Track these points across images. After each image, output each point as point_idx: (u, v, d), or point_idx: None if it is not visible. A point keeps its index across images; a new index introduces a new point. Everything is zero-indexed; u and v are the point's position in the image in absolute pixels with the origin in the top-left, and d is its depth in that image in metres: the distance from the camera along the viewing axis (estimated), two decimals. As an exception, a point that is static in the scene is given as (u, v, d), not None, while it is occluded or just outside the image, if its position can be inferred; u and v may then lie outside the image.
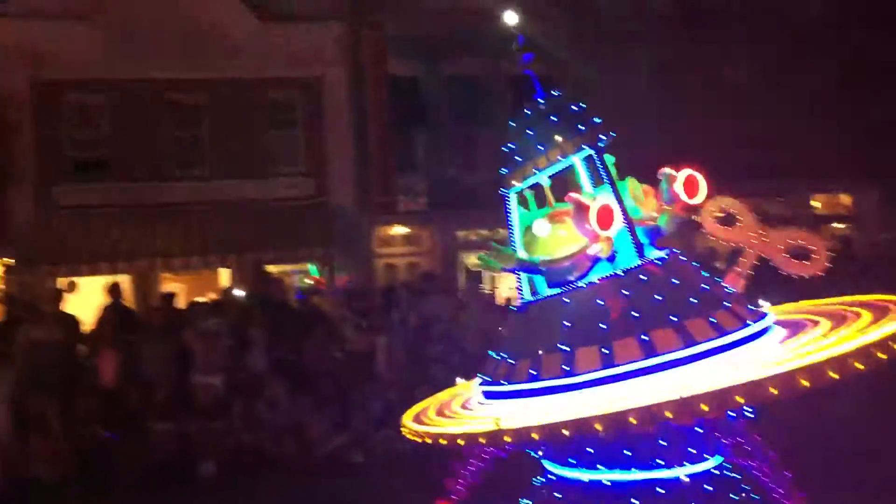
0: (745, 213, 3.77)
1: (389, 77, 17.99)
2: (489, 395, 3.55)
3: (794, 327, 3.48)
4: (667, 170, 3.54)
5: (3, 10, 16.47)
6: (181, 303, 13.48)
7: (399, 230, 18.95)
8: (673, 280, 3.36)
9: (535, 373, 3.30)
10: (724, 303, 3.36)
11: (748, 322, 3.30)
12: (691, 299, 3.29)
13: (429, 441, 3.31)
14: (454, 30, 16.23)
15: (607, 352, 3.17)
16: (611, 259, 3.43)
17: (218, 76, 17.07)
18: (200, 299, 14.02)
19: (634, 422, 2.70)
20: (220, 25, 17.09)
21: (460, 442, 3.15)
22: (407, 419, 3.74)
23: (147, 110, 16.99)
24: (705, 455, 3.35)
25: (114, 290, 13.07)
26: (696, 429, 3.25)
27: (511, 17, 3.82)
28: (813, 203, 21.25)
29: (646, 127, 16.73)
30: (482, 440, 3.08)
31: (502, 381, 3.46)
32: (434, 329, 12.48)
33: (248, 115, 17.48)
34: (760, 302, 3.65)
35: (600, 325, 3.25)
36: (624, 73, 18.32)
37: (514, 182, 3.74)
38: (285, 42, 17.37)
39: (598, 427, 2.73)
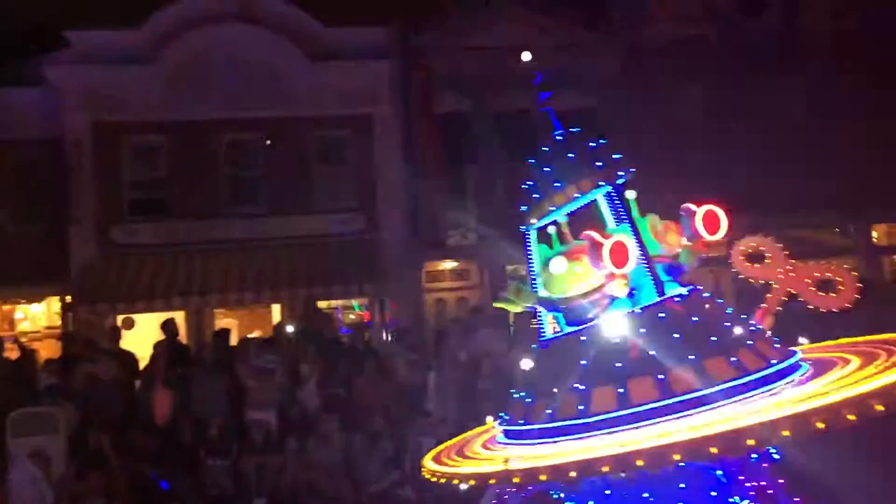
0: (775, 249, 3.72)
1: (438, 113, 18.16)
2: (508, 435, 3.51)
3: (823, 366, 3.37)
4: (688, 205, 3.49)
5: (65, 55, 17.10)
6: (235, 339, 13.60)
7: (448, 265, 18.98)
8: (693, 318, 3.30)
9: (551, 412, 3.25)
10: (748, 341, 3.27)
11: (772, 361, 3.21)
12: (712, 338, 3.22)
13: (444, 481, 3.28)
14: (501, 65, 16.30)
15: (622, 391, 3.11)
16: (629, 296, 3.38)
17: (271, 115, 17.39)
18: (253, 335, 14.17)
19: (642, 464, 2.64)
20: (273, 66, 17.49)
21: (471, 482, 3.12)
22: (427, 459, 3.72)
23: (202, 150, 17.40)
24: (729, 499, 3.25)
25: (168, 326, 13.28)
26: (716, 472, 3.16)
27: (527, 56, 3.84)
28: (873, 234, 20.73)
29: (699, 161, 16.58)
30: (492, 481, 3.05)
31: (521, 421, 3.42)
32: (484, 365, 12.37)
33: (300, 153, 17.76)
34: (801, 340, 3.57)
35: (617, 363, 3.19)
36: (675, 107, 18.21)
37: (533, 219, 3.72)
38: (336, 81, 17.65)
39: (605, 469, 2.68)
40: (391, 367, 12.44)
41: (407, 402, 11.95)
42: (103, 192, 17.11)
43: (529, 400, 3.43)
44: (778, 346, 3.38)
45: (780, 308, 3.59)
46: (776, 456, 3.30)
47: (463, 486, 3.14)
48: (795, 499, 3.33)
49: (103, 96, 16.96)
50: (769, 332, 3.49)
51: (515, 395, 3.58)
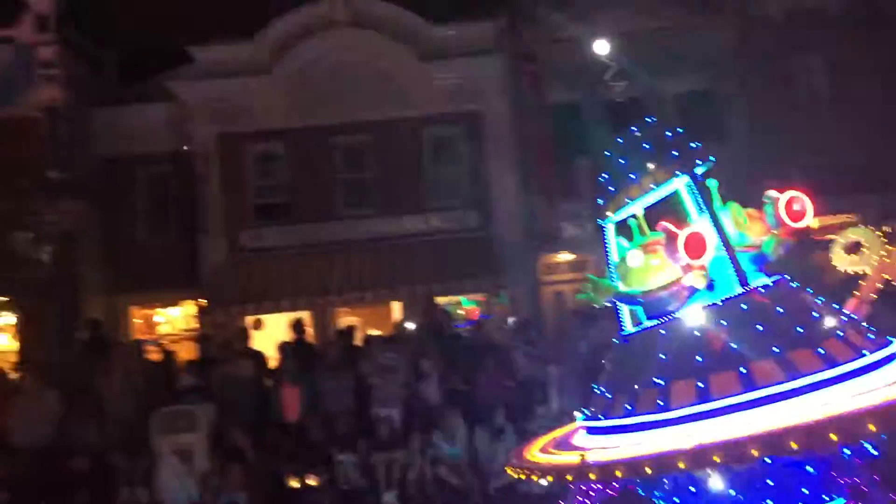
0: (872, 238, 3.57)
1: (548, 104, 17.99)
2: (590, 431, 3.49)
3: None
4: (772, 192, 3.36)
5: (189, 70, 17.96)
6: (358, 336, 13.91)
7: (565, 257, 18.77)
8: (778, 308, 3.17)
9: (630, 407, 3.21)
10: (838, 332, 3.12)
11: (864, 352, 3.05)
12: (798, 329, 3.09)
13: (523, 477, 3.29)
14: (611, 53, 15.96)
15: (703, 385, 3.03)
16: (709, 288, 3.29)
17: (383, 117, 17.74)
18: (375, 332, 14.44)
19: (718, 460, 2.57)
20: (383, 69, 17.81)
21: (549, 478, 3.11)
22: (512, 455, 3.73)
23: (320, 154, 17.94)
24: (823, 496, 3.11)
25: (297, 326, 13.72)
26: (808, 467, 3.03)
27: (602, 47, 3.78)
28: None
29: (825, 137, 15.80)
30: (569, 476, 3.03)
31: (600, 416, 3.39)
32: (605, 356, 12.10)
33: (413, 152, 18.02)
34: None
35: (697, 357, 3.11)
36: (796, 82, 17.40)
37: (609, 212, 3.67)
38: (445, 79, 17.80)
39: (682, 465, 2.62)
40: (511, 362, 12.41)
41: (528, 396, 11.90)
42: (230, 200, 17.89)
43: (609, 395, 3.40)
44: (873, 336, 3.21)
45: (877, 296, 3.42)
46: (874, 452, 3.14)
47: (543, 482, 3.14)
48: (892, 496, 3.16)
49: (226, 108, 17.72)
50: (864, 322, 3.32)
51: (596, 390, 3.55)
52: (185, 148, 17.90)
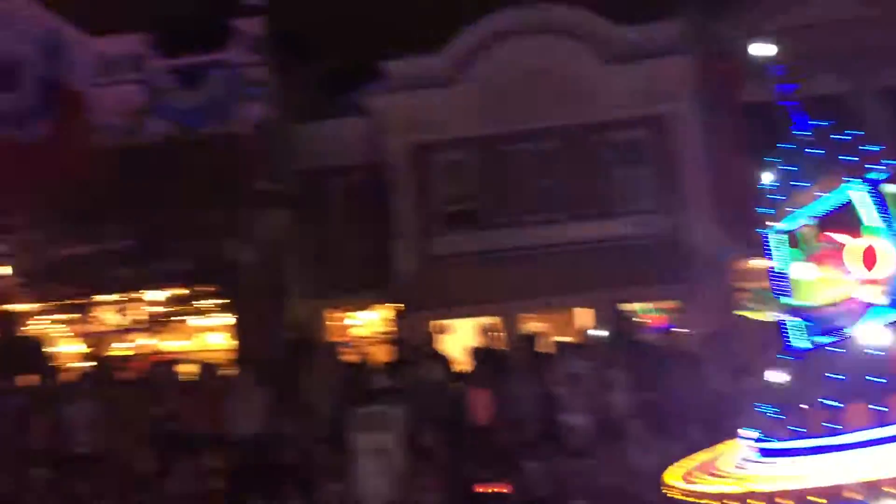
0: None
1: (742, 104, 17.16)
2: (759, 452, 3.31)
3: None
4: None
5: (382, 85, 18.77)
6: (544, 342, 13.94)
7: (761, 263, 17.86)
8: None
9: (801, 429, 3.02)
10: None
11: None
12: None
13: (684, 499, 3.17)
14: (816, 45, 14.97)
15: (881, 409, 2.81)
16: (891, 304, 3.03)
17: (569, 122, 17.70)
18: (563, 339, 14.39)
19: (894, 491, 2.37)
20: (569, 74, 17.74)
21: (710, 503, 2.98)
22: (674, 477, 3.60)
23: (507, 161, 18.18)
24: None
25: (486, 331, 13.97)
26: None
27: (766, 49, 3.59)
28: None
29: None
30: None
31: (769, 438, 3.21)
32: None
33: (598, 157, 17.85)
34: None
35: (875, 378, 2.88)
36: None
37: (776, 222, 3.47)
38: (632, 81, 17.46)
39: (855, 496, 2.44)
40: (703, 373, 11.99)
41: (721, 409, 11.42)
42: (421, 208, 18.51)
43: (779, 416, 3.22)
44: None
45: None
46: None
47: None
48: None
49: (417, 119, 18.33)
50: None
51: (762, 410, 3.37)
52: (378, 159, 18.66)
